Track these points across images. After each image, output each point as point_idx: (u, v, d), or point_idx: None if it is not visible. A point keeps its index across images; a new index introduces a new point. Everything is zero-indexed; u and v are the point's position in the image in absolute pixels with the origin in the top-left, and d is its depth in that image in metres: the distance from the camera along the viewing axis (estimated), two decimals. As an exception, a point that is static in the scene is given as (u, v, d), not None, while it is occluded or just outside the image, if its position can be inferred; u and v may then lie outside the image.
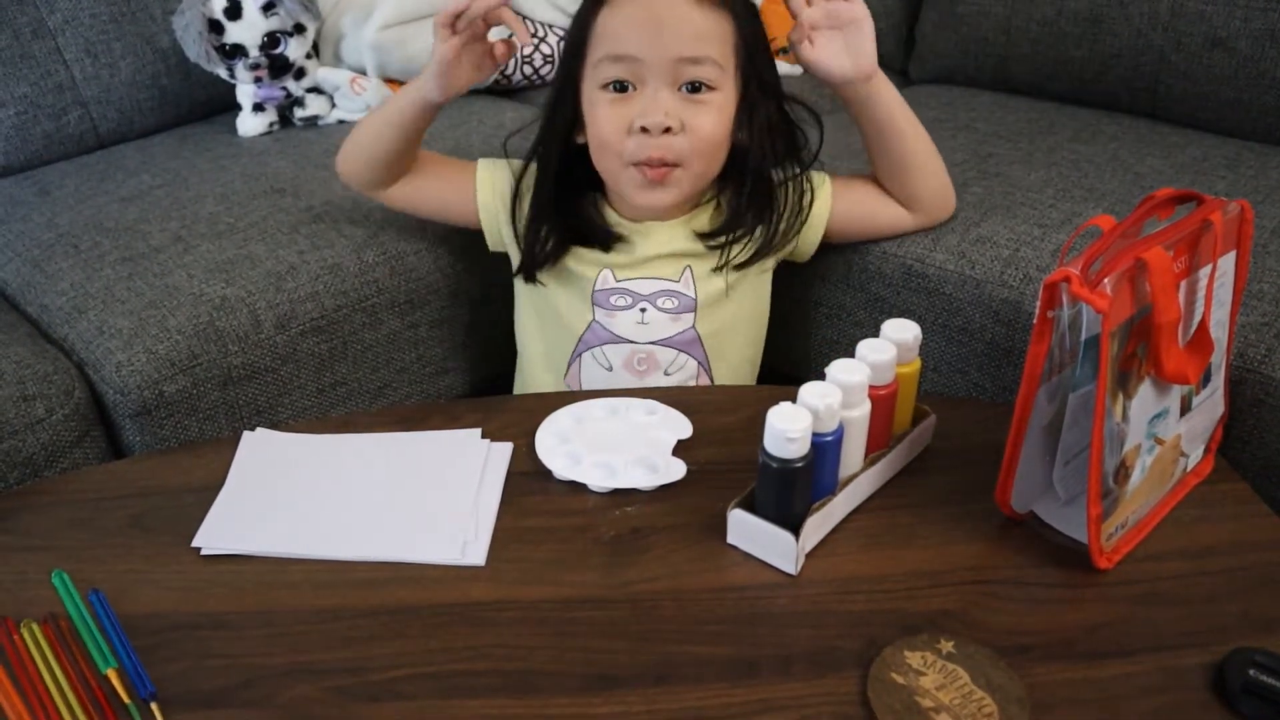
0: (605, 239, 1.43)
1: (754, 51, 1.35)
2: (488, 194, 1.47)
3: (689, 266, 1.42)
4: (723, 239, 1.42)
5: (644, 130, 1.30)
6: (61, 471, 1.35)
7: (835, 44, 1.35)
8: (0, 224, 1.65)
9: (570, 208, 1.43)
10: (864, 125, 1.42)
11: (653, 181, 1.34)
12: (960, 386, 1.50)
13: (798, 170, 1.43)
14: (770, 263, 1.48)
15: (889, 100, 1.40)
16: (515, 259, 1.48)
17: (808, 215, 1.45)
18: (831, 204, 1.47)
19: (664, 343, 1.44)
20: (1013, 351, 1.43)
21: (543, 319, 1.51)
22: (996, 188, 1.57)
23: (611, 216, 1.44)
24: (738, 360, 1.50)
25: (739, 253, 1.42)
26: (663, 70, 1.29)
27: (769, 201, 1.42)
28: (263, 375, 1.47)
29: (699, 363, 1.46)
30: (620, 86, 1.31)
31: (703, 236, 1.42)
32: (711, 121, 1.32)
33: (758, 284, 1.49)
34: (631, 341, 1.44)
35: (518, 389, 1.59)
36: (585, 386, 1.47)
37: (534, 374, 1.53)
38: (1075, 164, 1.64)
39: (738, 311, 1.47)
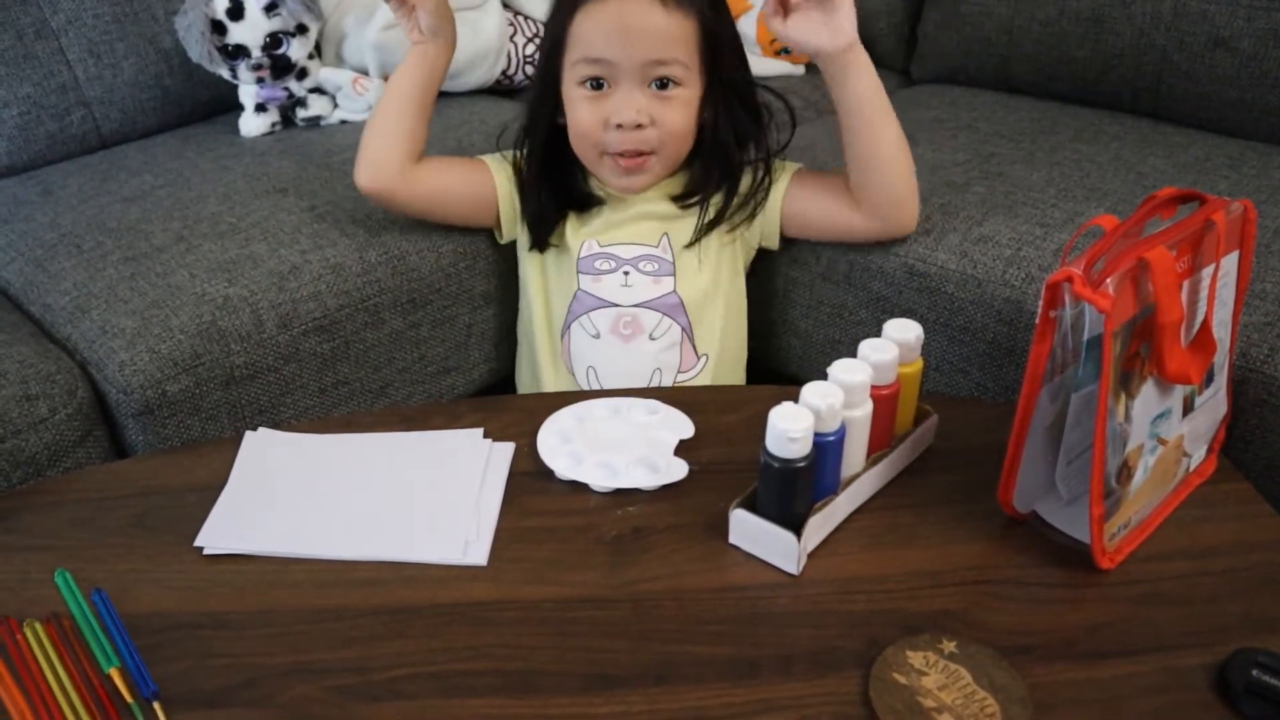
0: (590, 202, 1.55)
1: (719, 47, 1.44)
2: (503, 179, 1.57)
3: (666, 233, 1.52)
4: (693, 199, 1.52)
5: (619, 126, 1.42)
6: (64, 471, 1.35)
7: (813, 20, 1.38)
8: (3, 224, 1.65)
9: (557, 178, 1.54)
10: (839, 103, 1.45)
11: (629, 170, 1.47)
12: (962, 386, 1.50)
13: (763, 154, 1.52)
14: (737, 237, 1.55)
15: (865, 77, 1.43)
16: (525, 238, 1.58)
17: (767, 193, 1.53)
18: (788, 186, 1.54)
19: (647, 305, 1.52)
20: (1015, 351, 1.43)
21: (542, 301, 1.59)
22: (998, 187, 1.57)
23: (594, 182, 1.55)
24: (720, 334, 1.56)
25: (708, 212, 1.52)
26: (633, 71, 1.40)
27: (732, 169, 1.51)
28: (265, 375, 1.47)
29: (683, 328, 1.53)
30: (596, 84, 1.43)
31: (675, 199, 1.53)
32: (678, 115, 1.44)
33: (732, 260, 1.56)
34: (616, 305, 1.52)
35: (520, 378, 1.70)
36: (574, 359, 1.55)
37: (538, 360, 1.61)
38: (1077, 164, 1.64)
39: (715, 280, 1.54)
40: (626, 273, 1.52)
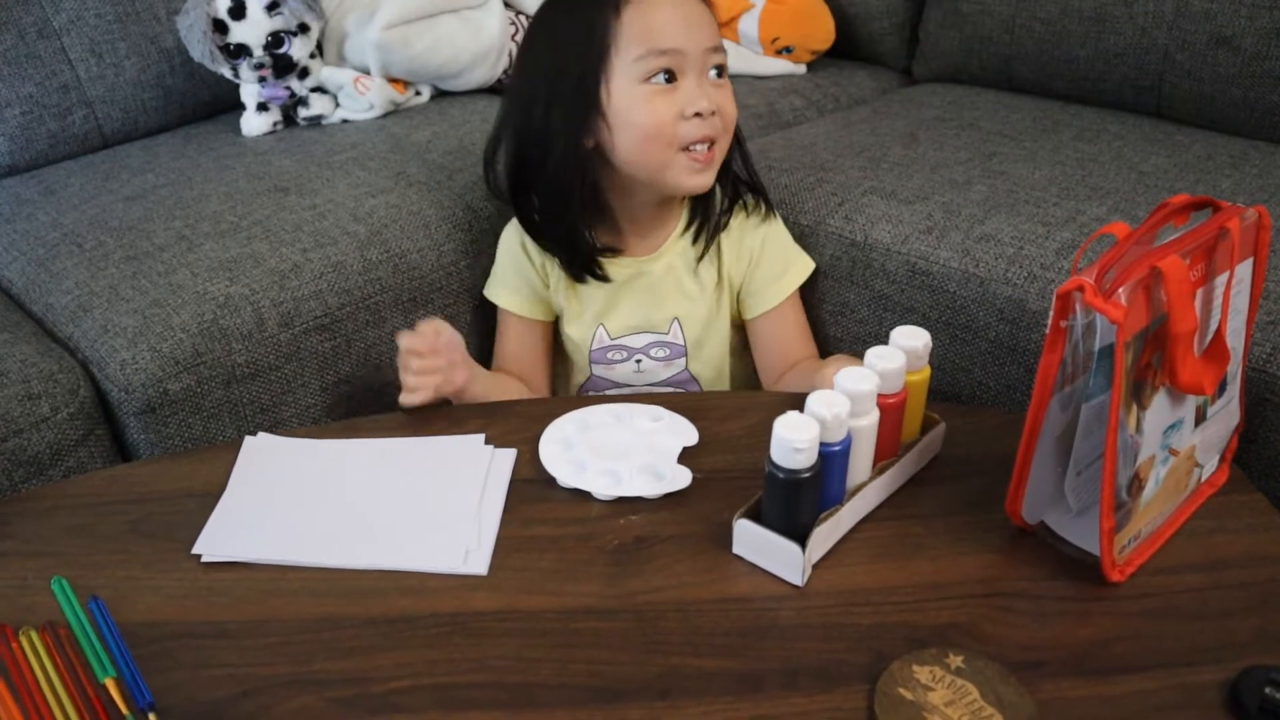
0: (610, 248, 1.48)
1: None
2: (527, 299, 1.54)
3: (677, 318, 1.50)
4: (707, 223, 1.48)
5: (697, 115, 1.35)
6: (66, 470, 1.35)
7: None
8: (5, 223, 1.65)
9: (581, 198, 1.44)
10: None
11: (702, 165, 1.38)
12: (964, 384, 1.49)
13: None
14: (724, 284, 1.52)
15: None
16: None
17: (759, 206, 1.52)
18: (782, 303, 1.53)
19: (661, 384, 1.53)
20: (1017, 350, 1.42)
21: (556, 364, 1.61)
22: (1000, 186, 1.57)
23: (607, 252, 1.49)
24: (719, 369, 1.57)
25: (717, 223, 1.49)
26: (698, 59, 1.35)
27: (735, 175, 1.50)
28: (266, 373, 1.47)
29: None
30: (669, 77, 1.35)
31: (694, 228, 1.49)
32: (732, 102, 1.40)
33: (730, 316, 1.55)
34: (630, 386, 1.53)
35: None
36: None
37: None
38: (1079, 162, 1.64)
39: (721, 333, 1.54)
40: (639, 360, 1.52)
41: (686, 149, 1.37)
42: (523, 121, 1.41)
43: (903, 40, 2.26)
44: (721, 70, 1.38)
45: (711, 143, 1.38)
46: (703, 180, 1.40)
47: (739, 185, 1.50)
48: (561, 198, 1.41)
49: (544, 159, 1.40)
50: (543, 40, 1.41)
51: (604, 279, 1.48)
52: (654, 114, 1.35)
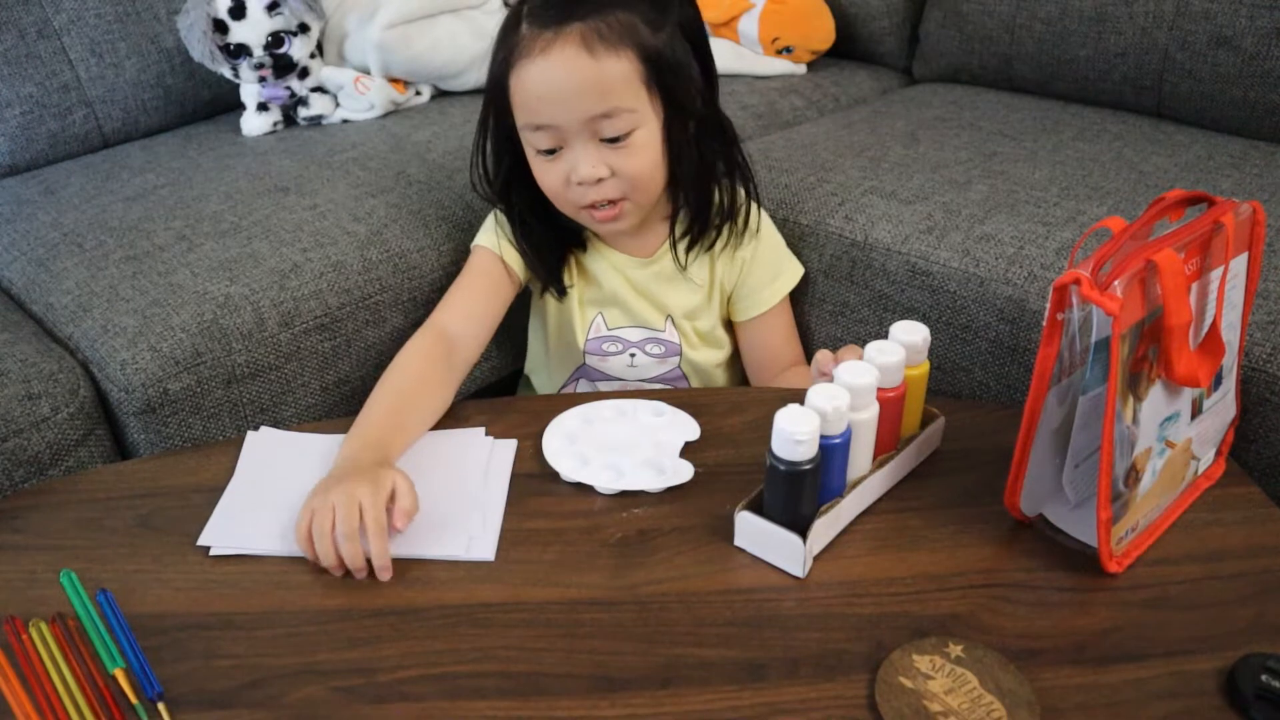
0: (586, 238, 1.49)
1: (667, 69, 1.31)
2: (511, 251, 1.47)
3: (670, 318, 1.51)
4: (694, 233, 1.45)
5: (579, 183, 1.32)
6: (66, 470, 1.35)
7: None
8: (6, 223, 1.65)
9: (546, 218, 1.45)
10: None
11: (603, 220, 1.38)
12: (965, 384, 1.50)
13: (736, 165, 1.45)
14: (716, 288, 1.51)
15: None
16: (536, 287, 1.53)
17: (748, 211, 1.48)
18: (772, 309, 1.53)
19: (653, 380, 1.53)
20: (1017, 349, 1.42)
21: (547, 346, 1.59)
22: (1000, 186, 1.57)
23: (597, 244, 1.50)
24: (712, 368, 1.57)
25: (702, 238, 1.46)
26: (579, 129, 1.29)
27: (711, 188, 1.44)
28: (266, 373, 1.47)
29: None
30: (552, 149, 1.33)
31: (684, 242, 1.46)
32: (637, 160, 1.33)
33: (722, 320, 1.56)
34: (622, 380, 1.53)
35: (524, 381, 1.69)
36: None
37: (538, 380, 1.63)
38: (1080, 162, 1.64)
39: (714, 333, 1.54)
40: (633, 355, 1.51)
41: (589, 207, 1.36)
42: (486, 138, 1.42)
43: (903, 40, 2.27)
44: (618, 135, 1.30)
45: (612, 201, 1.35)
46: (614, 228, 1.41)
47: (734, 201, 1.46)
48: (541, 198, 1.41)
49: (498, 177, 1.43)
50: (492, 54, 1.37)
51: (563, 291, 1.49)
52: (544, 179, 1.36)
